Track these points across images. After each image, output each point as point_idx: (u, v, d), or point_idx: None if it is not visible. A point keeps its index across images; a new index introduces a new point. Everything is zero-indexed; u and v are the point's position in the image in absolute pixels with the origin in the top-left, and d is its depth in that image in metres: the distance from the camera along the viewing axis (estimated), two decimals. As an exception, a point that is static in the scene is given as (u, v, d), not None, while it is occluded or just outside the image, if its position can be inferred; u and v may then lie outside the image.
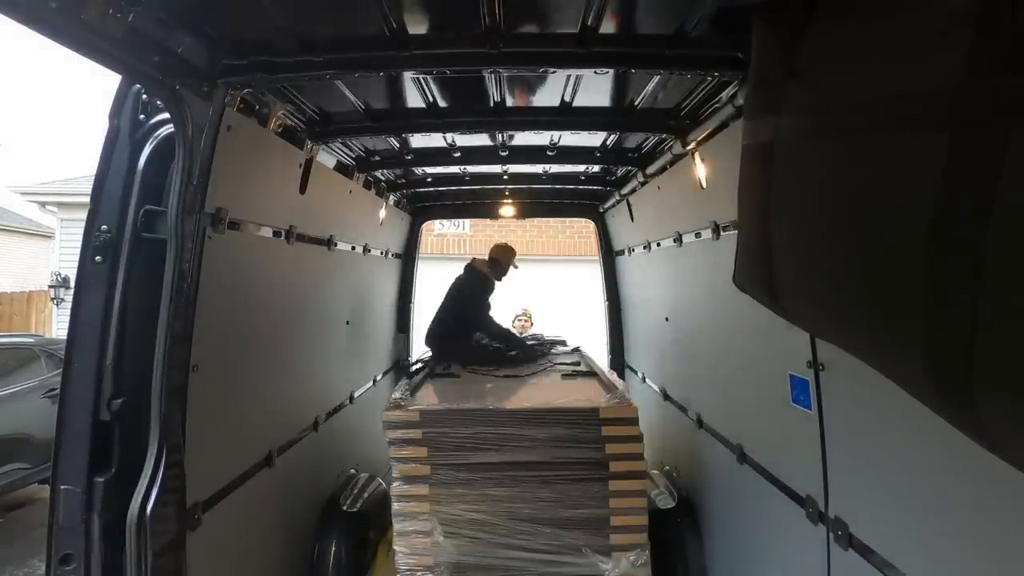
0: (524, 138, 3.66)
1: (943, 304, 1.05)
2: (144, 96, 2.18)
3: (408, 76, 2.55)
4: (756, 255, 1.75)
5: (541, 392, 3.54)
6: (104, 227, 2.11)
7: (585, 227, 11.41)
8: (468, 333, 4.79)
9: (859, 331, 1.37)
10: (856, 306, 1.34)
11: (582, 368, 4.41)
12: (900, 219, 1.16)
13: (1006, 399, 0.96)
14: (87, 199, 2.19)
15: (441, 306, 4.93)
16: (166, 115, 2.15)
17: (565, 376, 4.17)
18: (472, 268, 5.04)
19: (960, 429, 1.07)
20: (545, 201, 5.67)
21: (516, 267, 5.15)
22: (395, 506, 3.02)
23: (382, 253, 5.11)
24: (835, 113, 1.42)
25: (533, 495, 3.00)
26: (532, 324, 6.84)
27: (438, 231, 12.64)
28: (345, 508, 3.47)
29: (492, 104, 2.96)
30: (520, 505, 2.99)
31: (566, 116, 3.10)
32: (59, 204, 14.09)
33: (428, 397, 3.40)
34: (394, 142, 3.67)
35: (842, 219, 1.37)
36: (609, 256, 5.90)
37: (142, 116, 2.19)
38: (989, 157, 0.97)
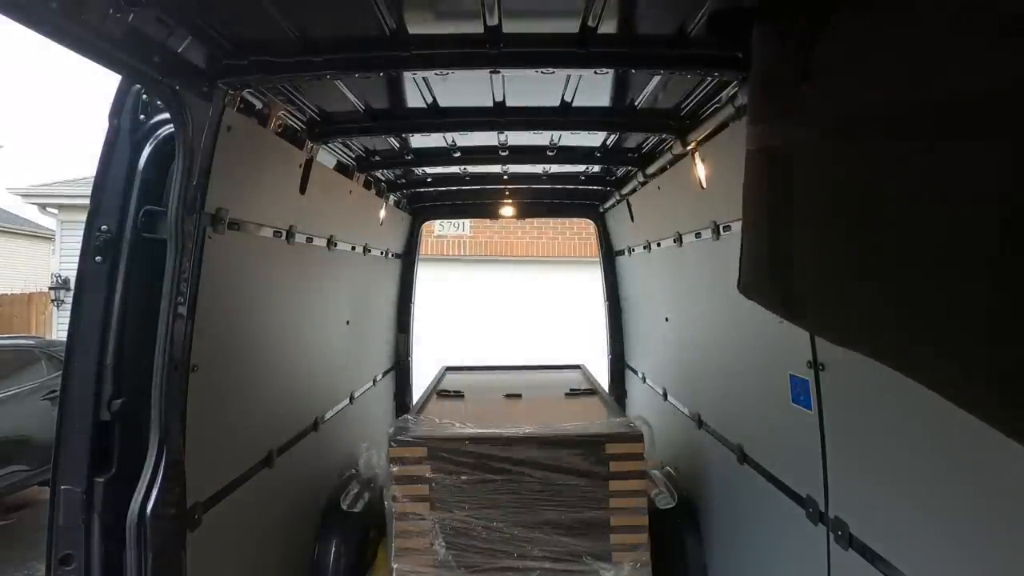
0: (524, 138, 3.66)
1: (1015, 308, 1.00)
2: (144, 96, 2.18)
3: (408, 76, 2.55)
4: (765, 261, 1.72)
5: (546, 415, 3.52)
6: (104, 227, 2.12)
7: (585, 228, 11.42)
8: None
9: (896, 335, 1.29)
10: (901, 315, 1.26)
11: (585, 387, 4.47)
12: (954, 221, 1.10)
13: None
14: (87, 201, 2.19)
15: None
16: (166, 115, 2.15)
17: (568, 395, 4.21)
18: None
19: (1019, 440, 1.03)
20: (545, 201, 5.67)
21: None
22: (394, 508, 3.03)
23: (382, 253, 5.11)
24: (850, 114, 1.37)
25: (532, 498, 3.01)
26: None
27: (438, 232, 12.64)
28: (345, 508, 3.46)
29: (492, 104, 2.96)
30: (519, 508, 3.00)
31: (566, 116, 3.10)
32: (59, 206, 14.09)
33: (433, 422, 3.37)
34: (394, 142, 3.67)
35: (882, 224, 1.30)
36: (609, 256, 5.90)
37: (142, 116, 2.19)
38: None
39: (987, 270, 1.05)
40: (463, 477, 3.02)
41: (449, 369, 5.33)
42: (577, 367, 5.44)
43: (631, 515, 3.03)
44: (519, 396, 4.18)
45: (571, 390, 4.31)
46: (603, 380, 5.90)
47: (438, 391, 4.35)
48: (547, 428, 3.14)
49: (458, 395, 4.23)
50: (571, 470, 3.02)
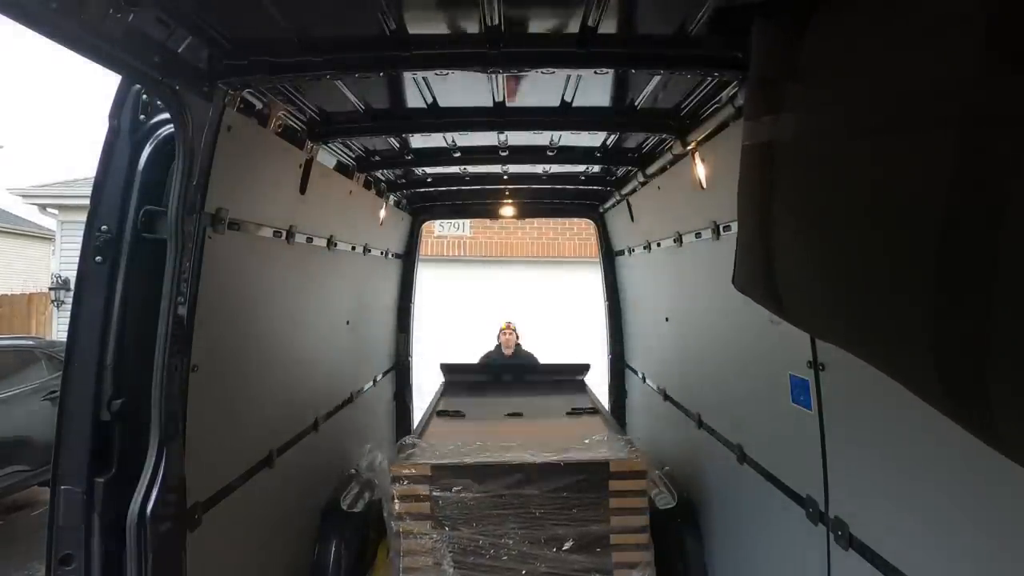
0: (524, 138, 3.66)
1: (955, 304, 1.04)
2: (144, 96, 2.18)
3: (408, 76, 2.55)
4: (756, 257, 1.74)
5: (548, 435, 3.51)
6: (104, 227, 2.11)
7: (585, 228, 11.41)
8: None
9: (864, 332, 1.36)
10: (861, 307, 1.33)
11: (586, 406, 4.50)
12: (909, 219, 1.15)
13: (1021, 399, 0.95)
14: (87, 201, 2.19)
15: None
16: (166, 115, 2.14)
17: (570, 415, 4.23)
18: None
19: (969, 430, 1.06)
20: (545, 201, 5.67)
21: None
22: (401, 545, 3.04)
23: (382, 253, 5.11)
24: (839, 113, 1.41)
25: (535, 525, 3.03)
26: (517, 337, 6.55)
27: (438, 232, 12.63)
28: (345, 508, 3.47)
29: (492, 104, 2.96)
30: (523, 532, 3.03)
31: (566, 116, 3.10)
32: (59, 206, 14.07)
33: (435, 449, 3.36)
34: (394, 142, 3.67)
35: (848, 220, 1.35)
36: (609, 256, 5.90)
37: (142, 116, 2.19)
38: (1001, 155, 0.97)
39: (931, 262, 1.09)
40: (467, 512, 3.05)
41: (448, 383, 5.34)
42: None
43: (634, 535, 3.05)
44: (520, 415, 4.19)
45: (572, 409, 4.33)
46: (603, 380, 5.92)
47: (438, 411, 4.35)
48: (550, 456, 3.16)
49: (458, 415, 4.24)
50: (574, 496, 3.05)
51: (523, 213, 6.19)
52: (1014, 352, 0.95)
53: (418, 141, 3.68)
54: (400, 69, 2.33)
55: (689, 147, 3.05)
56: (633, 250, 5.08)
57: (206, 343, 2.20)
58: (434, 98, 2.87)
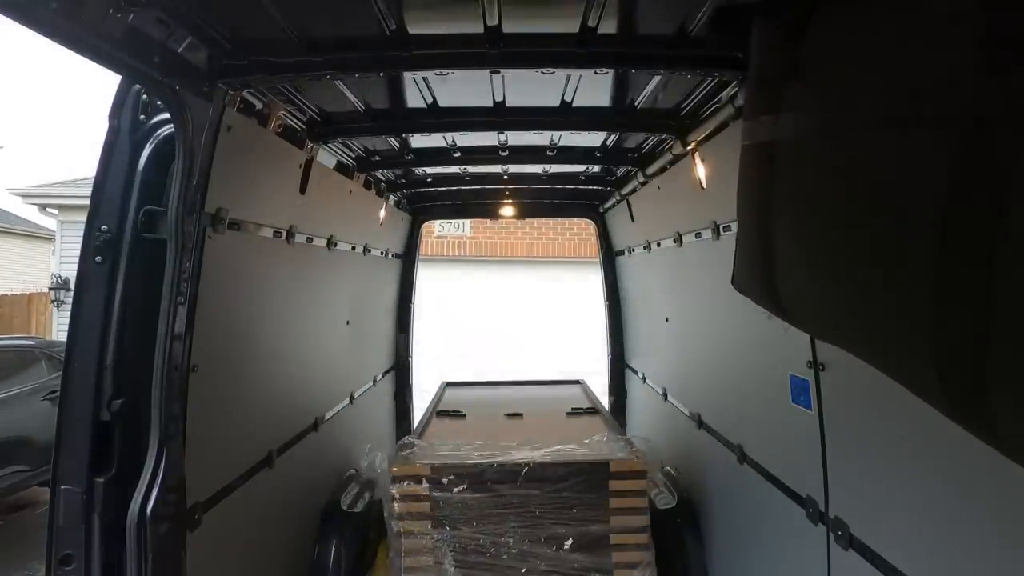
0: (524, 138, 3.66)
1: (955, 303, 1.04)
2: (144, 96, 2.18)
3: (408, 76, 2.55)
4: (756, 256, 1.75)
5: (548, 436, 3.51)
6: (104, 227, 2.11)
7: (585, 228, 11.41)
8: None
9: (863, 332, 1.36)
10: (860, 307, 1.33)
11: (586, 405, 4.50)
12: (909, 218, 1.15)
13: (1020, 399, 0.95)
14: (87, 201, 2.19)
15: None
16: (166, 115, 2.15)
17: (570, 415, 4.24)
18: None
19: (969, 430, 1.06)
20: (545, 201, 5.67)
21: None
22: (402, 544, 3.04)
23: (382, 253, 5.11)
24: (838, 112, 1.41)
25: (535, 526, 3.04)
26: None
27: (438, 233, 12.63)
28: (345, 508, 3.47)
29: (492, 104, 2.96)
30: (524, 533, 3.03)
31: (566, 116, 3.10)
32: (59, 206, 14.08)
33: (435, 449, 3.36)
34: (394, 142, 3.67)
35: (847, 219, 1.36)
36: (609, 256, 5.90)
37: (142, 116, 2.19)
38: (1000, 154, 0.97)
39: (931, 262, 1.09)
40: (468, 511, 3.05)
41: (449, 384, 5.34)
42: (576, 382, 5.46)
43: (634, 534, 3.06)
44: (520, 416, 4.19)
45: (572, 409, 4.34)
46: (603, 380, 5.92)
47: (438, 411, 4.36)
48: (551, 455, 3.17)
49: (458, 415, 4.24)
50: (574, 496, 3.06)
51: (523, 213, 6.20)
52: (1014, 352, 0.95)
53: (418, 141, 3.67)
54: (400, 69, 2.34)
55: (689, 147, 3.05)
56: (633, 250, 5.08)
57: (206, 343, 2.20)
58: (434, 98, 2.87)
